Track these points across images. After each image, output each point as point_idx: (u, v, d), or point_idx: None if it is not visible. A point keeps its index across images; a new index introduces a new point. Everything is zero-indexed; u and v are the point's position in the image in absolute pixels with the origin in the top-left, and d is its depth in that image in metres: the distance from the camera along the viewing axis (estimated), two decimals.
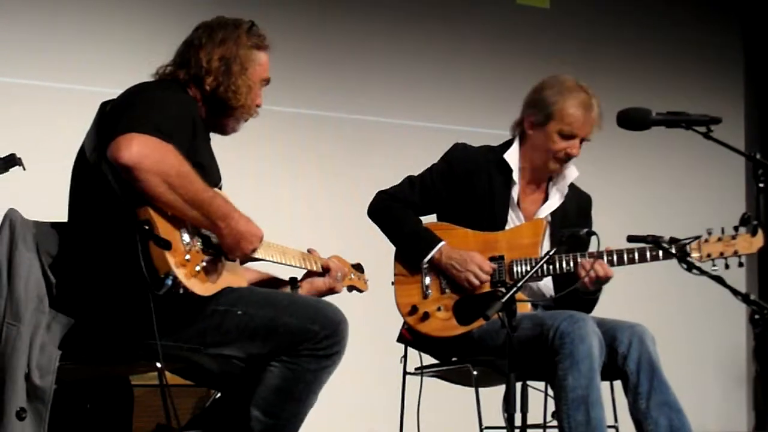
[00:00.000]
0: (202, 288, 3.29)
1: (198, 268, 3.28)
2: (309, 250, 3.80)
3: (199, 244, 3.33)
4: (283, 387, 3.35)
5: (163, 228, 3.22)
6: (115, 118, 3.27)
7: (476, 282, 4.06)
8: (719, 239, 3.91)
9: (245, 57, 3.51)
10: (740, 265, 3.90)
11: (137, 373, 3.75)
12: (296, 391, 3.35)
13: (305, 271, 3.80)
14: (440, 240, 4.12)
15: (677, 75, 7.25)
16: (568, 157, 4.14)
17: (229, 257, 3.42)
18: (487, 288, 4.07)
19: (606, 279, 3.96)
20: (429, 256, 4.11)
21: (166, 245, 3.18)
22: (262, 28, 3.58)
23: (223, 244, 3.35)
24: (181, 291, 3.21)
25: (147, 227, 3.18)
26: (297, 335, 3.33)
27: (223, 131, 3.58)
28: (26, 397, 3.19)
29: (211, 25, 3.55)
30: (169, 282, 3.17)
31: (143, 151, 3.13)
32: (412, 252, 4.16)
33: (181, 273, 3.21)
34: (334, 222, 6.07)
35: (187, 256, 3.25)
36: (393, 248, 4.23)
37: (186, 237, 3.29)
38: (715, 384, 7.16)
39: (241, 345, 3.36)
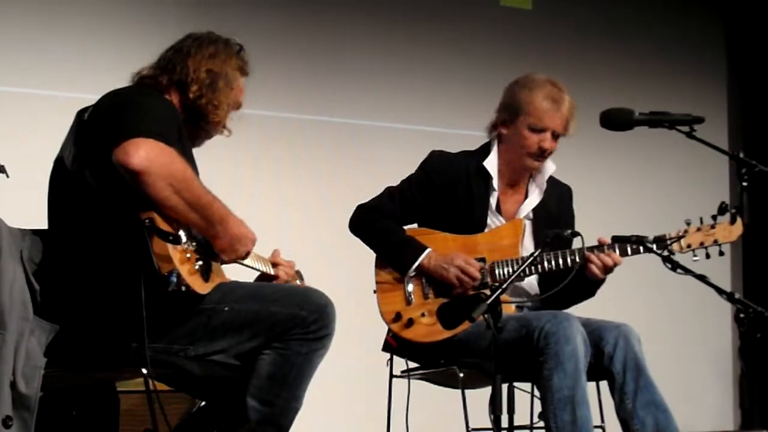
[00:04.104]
0: (201, 286, 3.31)
1: (197, 266, 3.31)
2: (275, 252, 3.80)
3: (194, 244, 3.34)
4: (276, 373, 3.36)
5: (164, 227, 3.23)
6: (104, 125, 3.27)
7: (465, 277, 4.05)
8: (698, 229, 3.94)
9: (231, 76, 3.54)
10: (721, 253, 3.93)
11: (123, 380, 3.74)
12: (289, 375, 3.36)
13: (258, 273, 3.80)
14: (426, 247, 4.11)
15: (660, 74, 7.25)
16: (541, 152, 4.13)
17: (221, 259, 3.43)
18: (470, 291, 4.07)
19: (616, 266, 3.99)
20: (417, 263, 4.10)
21: (176, 239, 3.21)
22: (247, 55, 3.62)
23: (217, 246, 3.37)
24: (184, 288, 3.23)
25: (149, 223, 3.18)
26: (286, 323, 3.35)
27: (192, 142, 3.56)
28: (12, 405, 3.18)
29: (201, 38, 3.57)
30: (174, 279, 3.19)
31: (151, 156, 3.14)
32: (399, 261, 4.14)
33: (183, 270, 3.23)
34: (321, 227, 6.06)
35: (188, 255, 3.27)
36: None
37: (183, 236, 3.30)
38: (702, 383, 7.16)
39: (231, 341, 3.37)
